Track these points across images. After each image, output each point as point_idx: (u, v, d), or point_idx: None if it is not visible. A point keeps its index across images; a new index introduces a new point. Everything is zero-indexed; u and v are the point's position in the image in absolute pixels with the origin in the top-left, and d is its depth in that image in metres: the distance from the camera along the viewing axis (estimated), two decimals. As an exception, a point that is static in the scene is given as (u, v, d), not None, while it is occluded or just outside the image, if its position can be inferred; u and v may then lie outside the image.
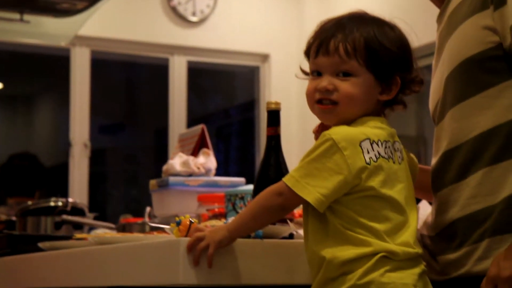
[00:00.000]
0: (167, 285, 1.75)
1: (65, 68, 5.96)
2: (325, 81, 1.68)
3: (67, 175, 5.90)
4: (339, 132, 1.64)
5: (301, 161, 1.64)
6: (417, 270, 1.63)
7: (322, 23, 1.74)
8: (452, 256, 1.72)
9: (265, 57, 6.43)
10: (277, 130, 2.05)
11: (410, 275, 1.59)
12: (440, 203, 1.78)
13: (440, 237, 1.77)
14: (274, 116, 2.05)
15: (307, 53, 1.76)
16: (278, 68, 6.35)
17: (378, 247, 1.59)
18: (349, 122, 1.69)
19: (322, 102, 1.70)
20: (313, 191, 1.60)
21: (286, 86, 6.28)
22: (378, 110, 1.72)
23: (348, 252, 1.60)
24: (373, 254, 1.59)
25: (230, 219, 1.74)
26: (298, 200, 1.62)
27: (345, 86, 1.67)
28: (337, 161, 1.61)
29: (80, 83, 5.89)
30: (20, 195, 4.55)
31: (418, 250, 1.66)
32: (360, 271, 1.59)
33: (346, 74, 1.67)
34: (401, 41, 1.70)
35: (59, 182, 6.08)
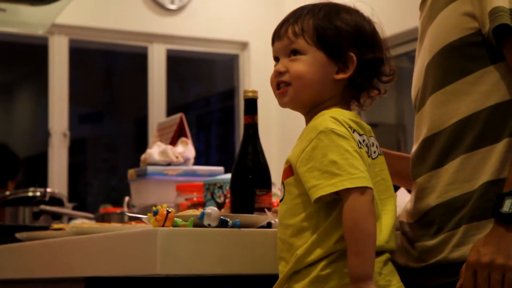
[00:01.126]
0: (145, 275, 1.74)
1: (44, 57, 5.92)
2: (279, 65, 1.70)
3: (46, 165, 5.87)
4: (328, 123, 1.61)
5: (317, 163, 1.58)
6: (382, 258, 1.62)
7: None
8: (430, 243, 1.72)
9: (244, 45, 6.42)
10: (255, 118, 2.05)
11: (375, 263, 1.58)
12: (419, 190, 1.78)
13: (419, 224, 1.77)
14: (251, 104, 2.05)
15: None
16: (258, 56, 6.34)
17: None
18: (309, 106, 1.68)
19: (279, 87, 1.70)
20: (363, 176, 1.56)
21: (265, 74, 6.24)
22: (342, 94, 1.70)
23: (323, 249, 1.59)
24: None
25: (209, 208, 1.73)
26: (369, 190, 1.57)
27: (295, 66, 1.68)
28: (352, 146, 1.59)
29: (58, 72, 5.85)
30: None
31: (391, 247, 1.66)
32: (322, 262, 1.59)
33: (295, 52, 1.68)
34: (355, 21, 1.70)
35: (38, 172, 6.05)
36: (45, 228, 2.59)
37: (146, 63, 6.22)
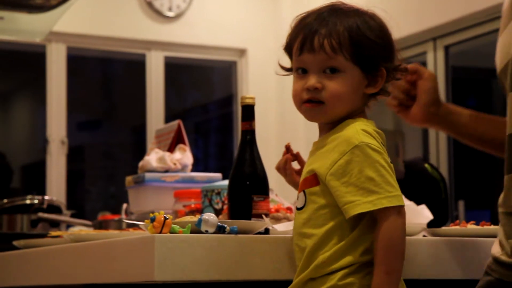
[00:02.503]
0: (142, 282, 1.73)
1: (41, 64, 5.92)
2: (313, 80, 1.64)
3: (45, 173, 5.87)
4: (362, 137, 1.60)
5: (353, 178, 1.57)
6: None
7: (300, 17, 1.69)
8: None
9: (242, 52, 6.42)
10: (252, 124, 2.04)
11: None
12: None
13: None
14: (248, 110, 2.04)
15: (288, 49, 1.72)
16: (256, 63, 6.34)
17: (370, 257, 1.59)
18: (338, 119, 1.66)
19: (310, 101, 1.66)
20: (398, 194, 1.57)
21: (263, 80, 6.27)
22: (363, 104, 1.69)
23: (347, 259, 1.58)
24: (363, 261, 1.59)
25: (206, 215, 1.73)
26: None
27: (333, 85, 1.63)
28: (386, 159, 1.59)
29: (56, 79, 5.85)
30: None
31: None
32: (342, 272, 1.58)
33: (333, 70, 1.64)
34: (382, 30, 1.67)
35: (36, 180, 6.05)
36: (43, 235, 2.59)
37: (144, 70, 6.23)
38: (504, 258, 1.64)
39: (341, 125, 1.65)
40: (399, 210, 1.56)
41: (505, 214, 1.66)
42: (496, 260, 1.66)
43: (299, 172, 1.79)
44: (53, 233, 2.40)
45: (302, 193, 1.66)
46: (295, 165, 2.00)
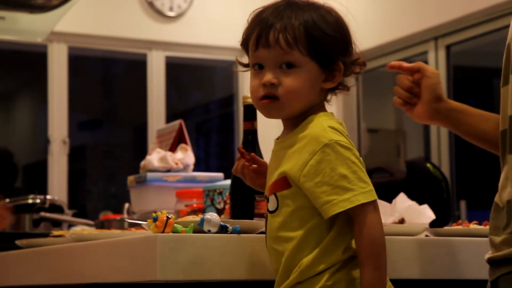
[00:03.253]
0: (145, 281, 1.74)
1: (43, 64, 5.92)
2: (269, 75, 1.61)
3: (46, 172, 5.87)
4: (330, 135, 1.58)
5: (326, 177, 1.55)
6: None
7: (257, 11, 1.66)
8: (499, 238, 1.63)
9: (243, 52, 6.43)
10: (254, 124, 2.05)
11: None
12: (503, 179, 1.66)
13: (496, 216, 1.66)
14: (250, 110, 2.05)
15: (244, 44, 1.68)
16: (257, 63, 6.34)
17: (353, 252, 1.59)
18: (295, 116, 1.65)
19: (266, 97, 1.63)
20: (371, 189, 1.56)
21: (265, 80, 6.27)
22: (322, 99, 1.67)
23: (331, 259, 1.58)
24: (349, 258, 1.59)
25: (209, 214, 1.73)
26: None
27: (289, 81, 1.61)
28: (356, 155, 1.58)
29: (57, 79, 5.86)
30: None
31: None
32: (327, 272, 1.57)
33: (289, 66, 1.61)
34: (339, 24, 1.64)
35: (38, 180, 6.05)
36: (46, 235, 2.59)
37: (145, 70, 6.23)
38: (488, 255, 1.65)
39: (304, 122, 1.63)
40: (375, 205, 1.55)
41: (495, 207, 1.66)
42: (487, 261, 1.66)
43: (258, 172, 1.77)
44: (56, 232, 2.40)
45: (273, 196, 1.64)
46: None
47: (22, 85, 8.04)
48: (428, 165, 2.96)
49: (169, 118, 6.15)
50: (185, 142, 3.00)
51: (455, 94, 5.40)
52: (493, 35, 5.35)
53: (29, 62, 7.01)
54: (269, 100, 1.63)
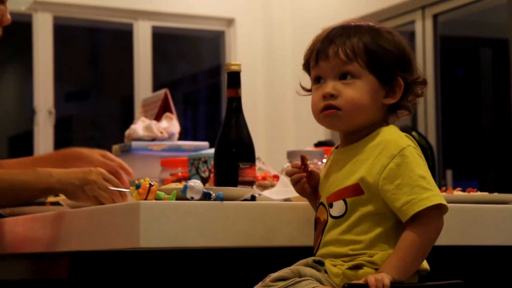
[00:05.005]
0: (128, 248, 1.73)
1: (28, 34, 5.88)
2: (328, 87, 1.67)
3: (32, 144, 5.85)
4: (407, 141, 1.63)
5: (406, 179, 1.59)
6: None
7: (317, 35, 1.73)
8: None
9: (230, 22, 6.39)
10: (238, 91, 2.03)
11: None
12: None
13: None
14: (234, 77, 2.03)
15: (306, 65, 1.74)
16: (244, 33, 6.31)
17: None
18: (358, 129, 1.68)
19: (327, 109, 1.67)
20: (440, 194, 1.61)
21: (252, 50, 6.25)
22: (384, 117, 1.70)
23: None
24: None
25: (192, 181, 1.72)
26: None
27: (349, 91, 1.65)
28: (427, 168, 1.64)
29: (43, 49, 5.82)
30: None
31: None
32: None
33: (349, 77, 1.66)
34: (399, 42, 1.69)
35: (25, 151, 6.03)
36: (42, 203, 2.56)
37: (132, 40, 6.19)
38: None
39: (374, 133, 1.66)
40: (445, 210, 1.60)
41: None
42: None
43: (309, 181, 1.78)
44: (52, 199, 2.38)
45: (341, 202, 1.65)
46: None
47: (7, 55, 7.98)
48: (414, 133, 2.96)
49: (157, 89, 6.12)
50: (170, 111, 2.99)
51: (442, 64, 5.39)
52: (481, 4, 5.33)
53: (14, 32, 6.94)
54: (332, 110, 1.66)
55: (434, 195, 1.58)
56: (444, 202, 1.59)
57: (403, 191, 1.59)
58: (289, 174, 1.78)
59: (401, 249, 1.58)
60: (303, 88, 1.79)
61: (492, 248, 1.93)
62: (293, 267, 1.64)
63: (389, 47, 1.67)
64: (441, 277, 1.72)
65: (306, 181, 1.76)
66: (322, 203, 1.71)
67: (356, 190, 1.64)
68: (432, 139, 5.22)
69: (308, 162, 1.77)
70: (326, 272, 1.64)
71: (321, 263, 1.65)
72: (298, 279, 1.60)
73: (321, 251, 1.67)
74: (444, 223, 1.63)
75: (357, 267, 1.61)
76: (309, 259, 1.67)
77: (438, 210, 1.59)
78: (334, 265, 1.64)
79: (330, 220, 1.67)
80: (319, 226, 1.70)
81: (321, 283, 1.61)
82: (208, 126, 8.10)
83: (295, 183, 1.77)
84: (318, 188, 1.75)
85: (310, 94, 1.75)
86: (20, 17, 5.93)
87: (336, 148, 1.75)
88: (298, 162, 1.77)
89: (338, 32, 1.69)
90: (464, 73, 6.69)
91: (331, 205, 1.67)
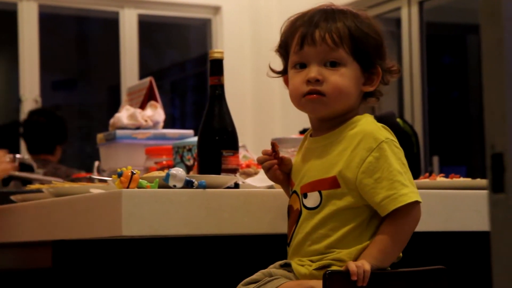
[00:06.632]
0: (110, 237, 1.73)
1: (14, 23, 5.84)
2: (314, 71, 1.64)
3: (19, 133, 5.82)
4: (385, 134, 1.62)
5: (385, 173, 1.59)
6: None
7: (292, 19, 1.70)
8: None
9: (216, 9, 6.37)
10: (221, 79, 2.03)
11: None
12: None
13: None
14: (217, 65, 2.03)
15: (283, 48, 1.72)
16: (230, 20, 6.29)
17: None
18: (337, 116, 1.67)
19: (311, 93, 1.65)
20: (417, 191, 1.62)
21: (238, 38, 6.23)
22: (359, 104, 1.70)
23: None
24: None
25: (174, 169, 1.72)
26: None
27: (334, 78, 1.64)
28: (405, 160, 1.63)
29: (28, 38, 5.78)
30: (40, 152, 4.50)
31: None
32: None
33: (334, 64, 1.65)
34: (376, 28, 1.69)
35: (12, 140, 6.01)
36: (17, 193, 2.55)
37: (118, 28, 6.16)
38: None
39: (350, 121, 1.65)
40: (420, 207, 1.61)
41: None
42: None
43: (282, 169, 1.76)
44: (33, 186, 2.37)
45: (317, 194, 1.64)
46: None
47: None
48: (398, 120, 2.97)
49: (144, 77, 6.06)
50: (155, 100, 2.98)
51: (428, 51, 5.40)
52: (467, -10, 5.33)
53: None
54: (317, 95, 1.64)
55: (412, 192, 1.58)
56: (420, 199, 1.60)
57: (382, 185, 1.58)
58: (260, 161, 1.77)
59: (380, 241, 1.59)
60: (273, 71, 1.76)
61: (474, 234, 1.93)
62: (265, 270, 1.65)
63: (369, 33, 1.67)
64: (422, 262, 1.72)
65: (277, 168, 1.75)
66: (295, 192, 1.70)
67: (333, 183, 1.63)
68: (418, 126, 5.23)
69: (278, 149, 1.76)
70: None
71: (287, 265, 1.66)
72: (268, 278, 1.61)
73: (295, 240, 1.66)
74: (427, 208, 1.64)
75: (325, 267, 1.60)
76: (276, 264, 1.67)
77: (415, 205, 1.59)
78: (302, 265, 1.64)
79: (304, 211, 1.66)
80: (293, 215, 1.69)
81: None
82: (196, 115, 8.08)
83: (267, 170, 1.76)
84: (290, 175, 1.74)
85: (279, 77, 1.74)
86: (5, 6, 5.91)
87: (311, 135, 1.73)
88: (269, 149, 1.76)
89: (322, 16, 1.66)
90: (451, 60, 6.70)
91: (305, 195, 1.66)
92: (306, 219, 1.65)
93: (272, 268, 1.66)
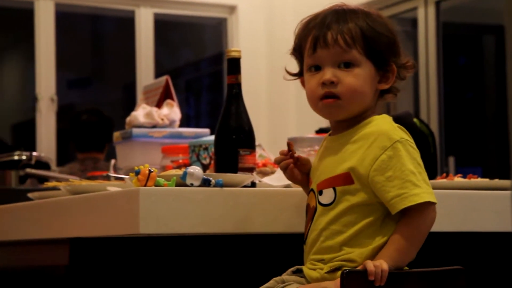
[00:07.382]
0: (127, 235, 1.73)
1: (30, 22, 5.86)
2: (328, 73, 1.65)
3: (35, 131, 5.84)
4: (400, 134, 1.62)
5: (397, 172, 1.59)
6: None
7: (305, 21, 1.71)
8: None
9: (232, 9, 6.37)
10: (238, 78, 2.03)
11: None
12: None
13: None
14: (234, 64, 2.03)
15: (297, 51, 1.73)
16: (246, 19, 6.29)
17: None
18: (355, 115, 1.67)
19: (327, 97, 1.66)
20: (433, 192, 1.62)
21: (254, 37, 6.23)
22: (375, 102, 1.70)
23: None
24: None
25: (191, 168, 1.72)
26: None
27: (349, 79, 1.65)
28: (420, 158, 1.64)
29: (45, 37, 5.80)
30: (90, 150, 4.58)
31: None
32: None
33: (348, 65, 1.65)
34: (389, 26, 1.70)
35: (27, 138, 6.03)
36: (32, 190, 2.56)
37: (133, 27, 6.18)
38: None
39: (366, 121, 1.66)
40: (434, 208, 1.61)
41: None
42: None
43: (300, 169, 1.77)
44: (49, 184, 2.38)
45: (331, 190, 1.65)
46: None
47: (10, 43, 7.97)
48: (415, 120, 2.96)
49: (159, 76, 6.07)
50: (172, 98, 2.98)
51: (445, 52, 5.37)
52: (483, -10, 5.31)
53: (16, 19, 6.94)
54: (333, 99, 1.65)
55: (424, 192, 1.58)
56: (434, 200, 1.59)
57: (394, 184, 1.58)
58: (277, 162, 1.78)
59: (397, 240, 1.58)
60: (289, 73, 1.77)
61: (492, 234, 1.92)
62: (277, 277, 1.66)
63: (383, 32, 1.67)
64: (440, 263, 1.72)
65: (293, 167, 1.75)
66: (312, 190, 1.70)
67: (346, 179, 1.63)
68: (434, 126, 5.21)
69: (293, 148, 1.76)
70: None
71: (299, 271, 1.66)
72: (281, 285, 1.62)
73: (310, 236, 1.66)
74: (445, 209, 1.63)
75: (337, 269, 1.60)
76: (288, 271, 1.68)
77: (429, 205, 1.59)
78: (314, 269, 1.64)
79: (319, 207, 1.66)
80: (309, 213, 1.70)
81: None
82: (210, 113, 8.09)
83: (284, 170, 1.76)
84: (310, 174, 1.75)
85: (296, 79, 1.74)
86: (22, 4, 5.93)
87: (330, 135, 1.74)
88: (285, 149, 1.77)
89: (334, 17, 1.67)
90: (467, 60, 6.67)
91: (320, 192, 1.67)
92: (320, 215, 1.66)
93: (285, 276, 1.66)
